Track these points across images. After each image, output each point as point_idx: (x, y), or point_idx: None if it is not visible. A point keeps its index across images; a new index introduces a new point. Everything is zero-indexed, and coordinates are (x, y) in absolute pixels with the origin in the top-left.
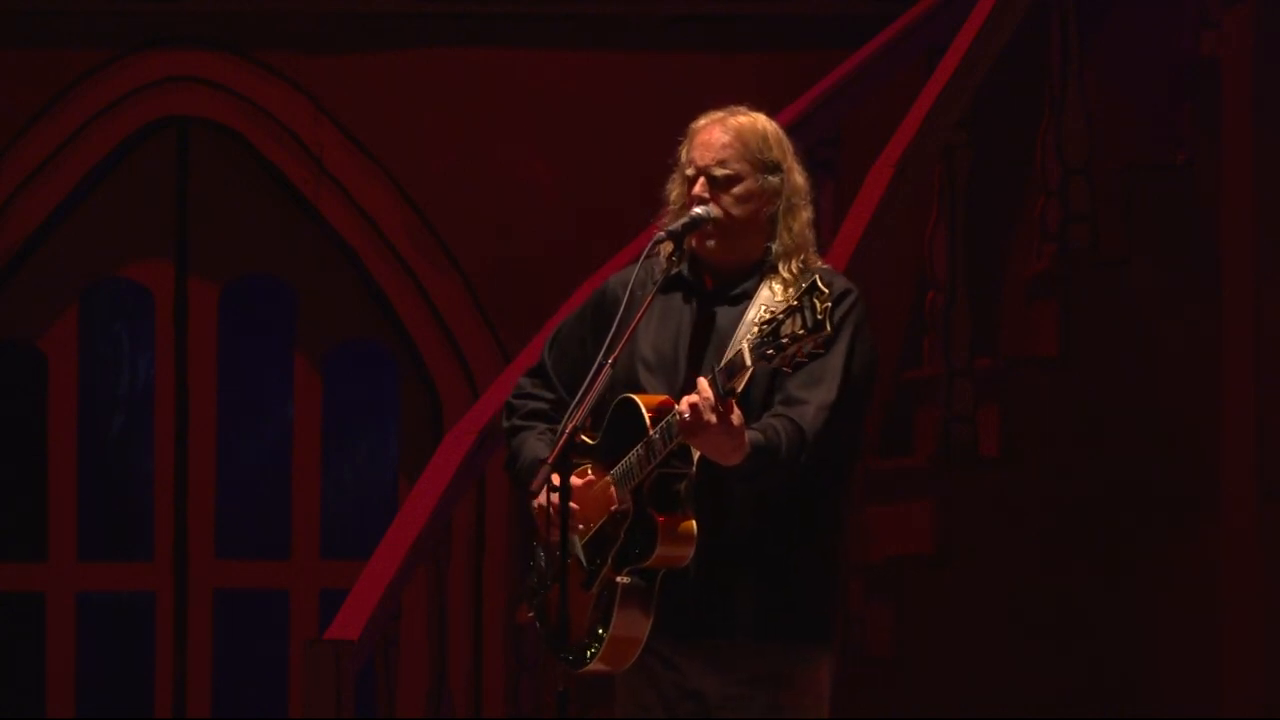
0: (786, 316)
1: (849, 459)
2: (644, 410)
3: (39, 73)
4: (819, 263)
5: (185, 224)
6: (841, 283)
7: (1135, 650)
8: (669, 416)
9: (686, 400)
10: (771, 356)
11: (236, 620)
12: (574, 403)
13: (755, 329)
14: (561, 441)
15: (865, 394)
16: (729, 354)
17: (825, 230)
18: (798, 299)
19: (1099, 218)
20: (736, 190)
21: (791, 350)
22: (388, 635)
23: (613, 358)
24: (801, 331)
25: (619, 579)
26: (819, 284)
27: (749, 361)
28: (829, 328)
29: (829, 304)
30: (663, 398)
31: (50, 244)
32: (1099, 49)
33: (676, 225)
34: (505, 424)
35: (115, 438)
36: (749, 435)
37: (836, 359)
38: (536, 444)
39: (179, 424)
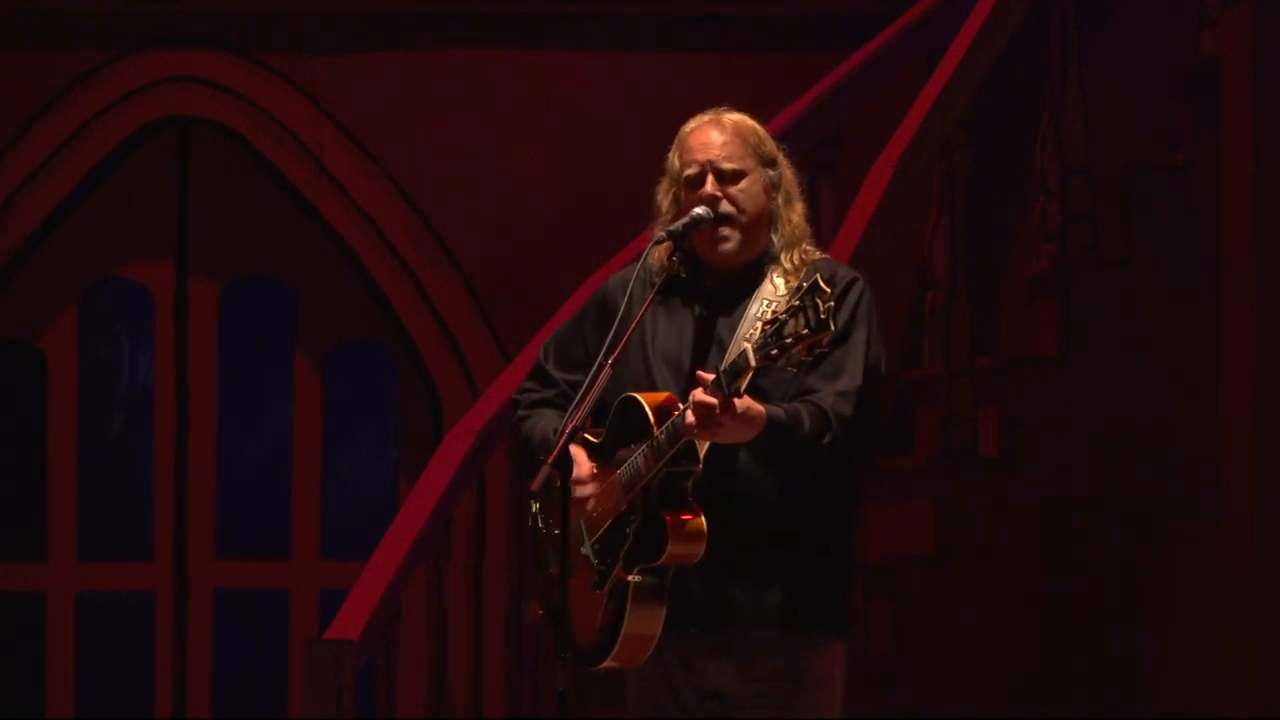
0: (789, 316)
1: (869, 446)
2: (648, 409)
3: (39, 73)
4: (818, 254)
5: (185, 224)
6: (846, 272)
7: (1135, 650)
8: (674, 417)
9: (691, 401)
10: (775, 356)
11: (236, 620)
12: (574, 403)
13: (758, 327)
14: (561, 441)
15: (882, 379)
16: (732, 353)
17: (825, 230)
18: (800, 299)
19: (1099, 218)
20: (744, 185)
21: (796, 350)
22: (388, 635)
23: (612, 357)
24: (805, 331)
25: (630, 578)
26: (820, 284)
27: (753, 361)
28: (833, 327)
29: (831, 303)
30: (665, 395)
31: (50, 244)
32: (1099, 49)
33: (677, 225)
34: (512, 419)
35: (115, 438)
36: (769, 410)
37: (856, 348)
38: (545, 426)
39: (179, 424)
